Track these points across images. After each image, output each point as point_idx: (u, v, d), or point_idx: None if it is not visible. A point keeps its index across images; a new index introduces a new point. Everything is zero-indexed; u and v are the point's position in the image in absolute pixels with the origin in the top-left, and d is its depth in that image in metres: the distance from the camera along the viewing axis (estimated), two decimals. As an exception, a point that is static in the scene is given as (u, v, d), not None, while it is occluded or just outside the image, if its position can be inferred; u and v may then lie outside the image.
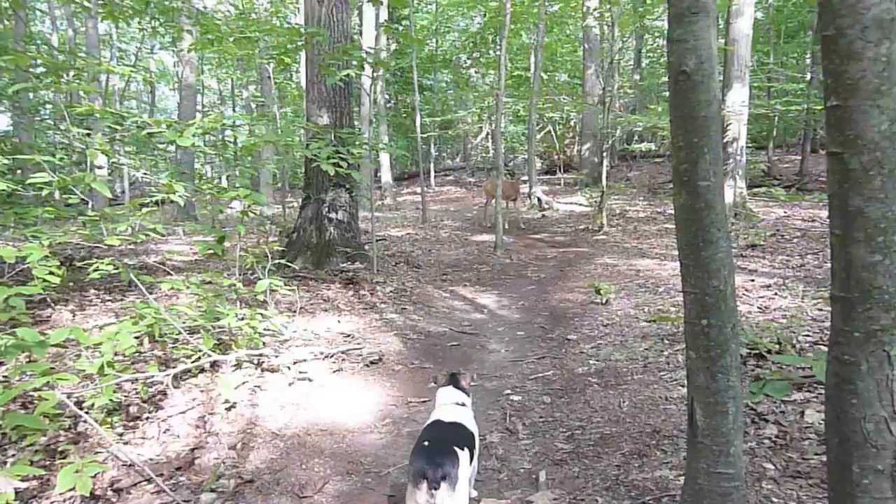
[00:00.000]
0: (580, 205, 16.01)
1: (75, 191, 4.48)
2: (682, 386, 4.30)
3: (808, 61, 19.27)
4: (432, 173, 24.33)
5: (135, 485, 3.36)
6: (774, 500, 2.85)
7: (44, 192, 4.39)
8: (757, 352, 4.54)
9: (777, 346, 4.59)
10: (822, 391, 2.53)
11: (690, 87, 2.20)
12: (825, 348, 2.08)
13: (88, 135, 5.85)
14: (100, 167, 11.55)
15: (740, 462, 2.37)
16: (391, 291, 7.69)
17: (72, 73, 7.96)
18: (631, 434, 3.81)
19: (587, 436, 3.90)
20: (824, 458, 2.42)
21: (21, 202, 6.36)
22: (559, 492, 3.24)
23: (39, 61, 7.25)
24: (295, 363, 5.01)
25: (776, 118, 18.03)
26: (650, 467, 3.37)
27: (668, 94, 2.34)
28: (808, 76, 16.76)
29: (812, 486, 2.91)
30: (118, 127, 5.51)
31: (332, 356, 5.35)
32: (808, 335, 4.88)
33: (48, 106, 16.24)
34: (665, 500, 3.02)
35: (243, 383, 4.56)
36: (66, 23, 19.74)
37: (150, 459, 3.62)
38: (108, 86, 21.39)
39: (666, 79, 2.47)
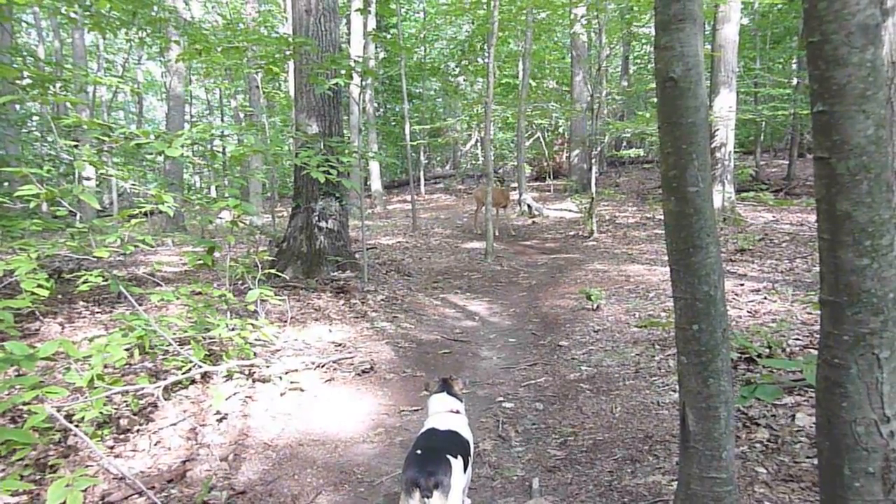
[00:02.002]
0: (570, 211, 16.06)
1: (63, 203, 4.45)
2: (674, 391, 4.32)
3: (794, 66, 19.48)
4: (422, 181, 24.35)
5: (126, 498, 3.33)
6: (767, 503, 2.86)
7: (31, 205, 4.36)
8: (747, 356, 4.56)
9: (767, 350, 4.62)
10: (813, 394, 2.54)
11: (678, 93, 2.21)
12: (815, 352, 2.09)
13: (76, 146, 5.83)
14: (88, 178, 11.51)
15: (732, 466, 2.37)
16: (382, 300, 7.67)
17: (58, 84, 7.93)
18: (623, 440, 3.82)
19: (580, 442, 3.90)
20: (815, 462, 2.43)
21: (8, 214, 6.31)
22: (552, 498, 3.24)
23: (26, 73, 7.21)
24: (286, 373, 4.99)
25: (763, 123, 18.18)
26: (643, 473, 3.37)
27: (655, 100, 2.36)
28: (795, 81, 16.94)
29: (804, 490, 2.92)
30: (106, 138, 5.49)
31: (323, 366, 5.33)
32: (797, 339, 4.91)
33: (35, 118, 16.16)
34: (658, 505, 3.02)
35: (234, 394, 4.54)
36: (52, 34, 19.68)
37: (142, 472, 3.59)
38: (96, 97, 21.31)
39: (653, 85, 2.48)
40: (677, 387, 2.50)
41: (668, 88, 2.23)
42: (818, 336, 1.98)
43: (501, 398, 4.81)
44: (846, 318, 1.82)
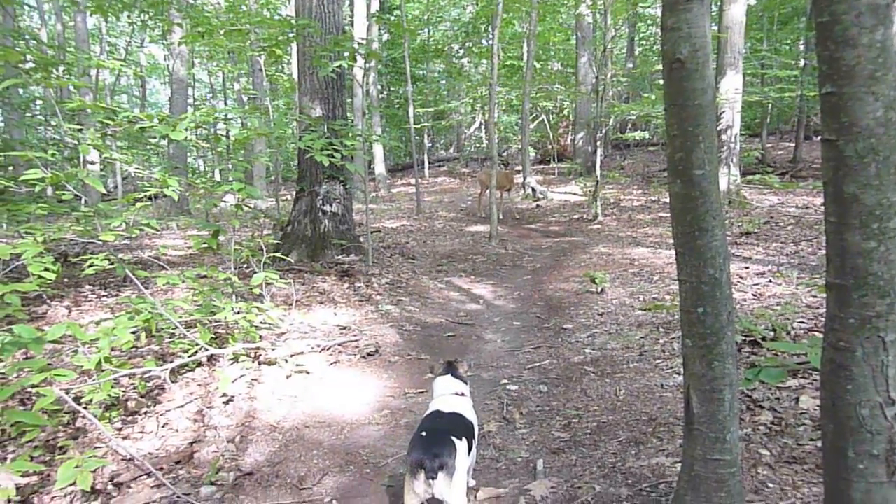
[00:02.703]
0: (574, 194, 16.02)
1: (68, 187, 4.46)
2: (678, 374, 4.33)
3: (801, 48, 19.31)
4: (426, 164, 24.31)
5: (135, 479, 3.36)
6: (770, 485, 2.88)
7: (37, 189, 4.37)
8: (752, 339, 4.57)
9: (772, 333, 4.62)
10: (817, 377, 2.54)
11: (685, 75, 2.20)
12: (820, 335, 2.09)
13: (80, 130, 5.82)
14: (92, 162, 11.50)
15: (736, 448, 2.38)
16: (387, 283, 7.69)
17: (61, 68, 7.90)
18: (627, 422, 3.83)
19: (584, 424, 3.92)
20: (819, 444, 2.44)
21: (14, 199, 6.32)
22: (556, 480, 3.26)
23: (29, 57, 7.18)
24: (292, 356, 5.02)
25: (770, 105, 18.05)
26: (647, 455, 3.39)
27: (661, 82, 2.34)
28: (802, 63, 16.79)
29: (807, 472, 2.94)
30: (110, 122, 5.48)
31: (328, 348, 5.36)
32: (802, 322, 4.91)
33: (39, 102, 16.14)
34: (662, 486, 3.04)
35: (241, 377, 4.57)
36: (54, 17, 19.58)
37: (150, 454, 3.62)
38: (99, 81, 21.26)
39: (659, 67, 2.45)
40: (682, 369, 2.51)
41: (674, 70, 2.22)
42: (823, 319, 1.98)
43: (506, 381, 4.84)
44: (852, 301, 1.81)
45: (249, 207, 7.84)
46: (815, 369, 3.64)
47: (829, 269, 1.89)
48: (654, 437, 3.58)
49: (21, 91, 13.90)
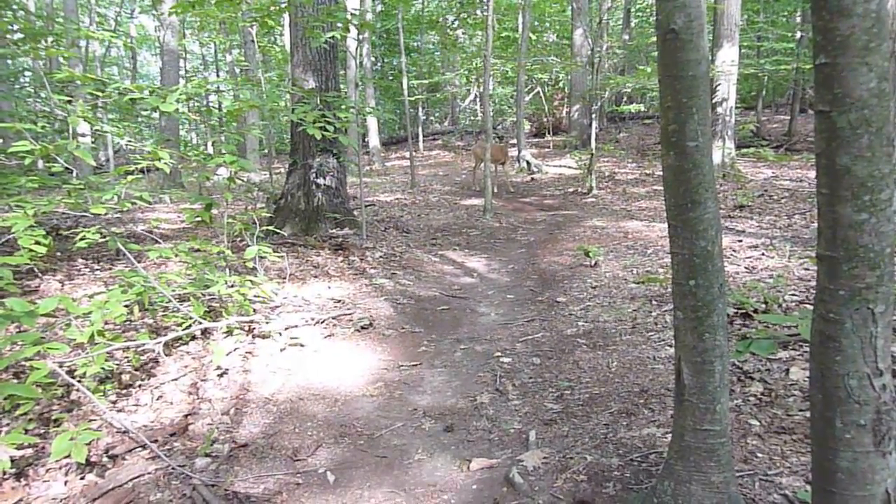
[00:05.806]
0: (569, 167, 15.97)
1: (58, 159, 4.42)
2: (670, 346, 4.36)
3: (797, 19, 19.13)
4: (421, 137, 24.17)
5: (130, 451, 3.38)
6: (759, 455, 2.92)
7: (26, 161, 4.33)
8: (744, 311, 4.59)
9: (763, 306, 4.64)
10: (807, 349, 2.56)
11: (679, 46, 2.17)
12: (811, 307, 2.09)
13: (69, 102, 5.75)
14: (83, 135, 11.39)
15: (726, 419, 2.41)
16: (381, 257, 7.69)
17: (50, 38, 7.78)
18: (619, 393, 3.87)
19: (576, 396, 3.95)
20: (808, 414, 2.47)
21: (3, 171, 6.27)
22: (549, 451, 3.30)
23: (17, 27, 7.07)
24: (286, 329, 5.03)
25: (765, 78, 17.94)
26: (638, 425, 3.43)
27: (656, 53, 2.32)
28: (798, 35, 16.66)
29: (796, 442, 2.97)
30: (100, 93, 5.42)
31: (323, 322, 5.37)
32: (794, 294, 4.94)
33: (27, 73, 15.92)
34: (652, 457, 3.08)
35: (235, 350, 4.58)
36: (42, -14, 19.24)
37: (144, 426, 3.64)
38: (88, 52, 20.96)
39: (655, 39, 2.43)
40: (673, 342, 2.52)
41: (668, 40, 2.19)
42: (814, 291, 1.98)
43: (499, 353, 4.86)
44: (842, 273, 1.81)
45: (242, 181, 7.80)
46: (806, 341, 3.67)
47: (820, 241, 1.88)
48: (645, 409, 3.62)
49: (9, 62, 13.70)
